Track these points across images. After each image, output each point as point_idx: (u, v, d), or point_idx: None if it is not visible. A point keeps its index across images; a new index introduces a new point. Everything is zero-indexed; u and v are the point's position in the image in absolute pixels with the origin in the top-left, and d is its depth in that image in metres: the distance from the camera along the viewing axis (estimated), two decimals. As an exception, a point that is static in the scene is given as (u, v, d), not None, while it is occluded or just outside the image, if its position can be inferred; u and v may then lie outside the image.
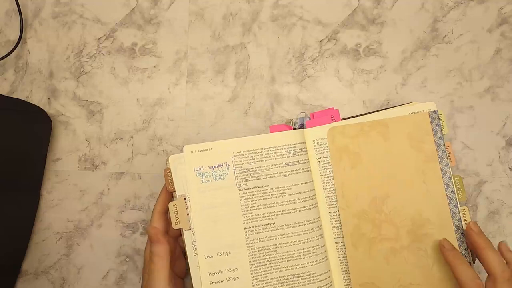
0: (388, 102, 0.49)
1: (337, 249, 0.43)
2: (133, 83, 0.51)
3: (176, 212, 0.40)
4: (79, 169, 0.50)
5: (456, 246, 0.41)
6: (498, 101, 0.48)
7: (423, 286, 0.41)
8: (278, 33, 0.50)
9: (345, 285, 0.43)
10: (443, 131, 0.42)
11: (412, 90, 0.48)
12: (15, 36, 0.51)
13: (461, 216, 0.42)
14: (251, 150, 0.42)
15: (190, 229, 0.41)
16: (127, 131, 0.50)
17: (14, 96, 0.50)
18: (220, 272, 0.40)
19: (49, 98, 0.51)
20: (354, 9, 0.50)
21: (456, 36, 0.49)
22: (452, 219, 0.41)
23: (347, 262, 0.42)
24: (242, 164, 0.41)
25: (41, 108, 0.49)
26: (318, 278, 0.41)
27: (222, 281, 0.40)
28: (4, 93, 0.51)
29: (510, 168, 0.47)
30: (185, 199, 0.41)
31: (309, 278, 0.41)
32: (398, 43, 0.49)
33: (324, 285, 0.42)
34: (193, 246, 0.41)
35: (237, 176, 0.41)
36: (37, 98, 0.51)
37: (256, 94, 0.50)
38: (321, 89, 0.49)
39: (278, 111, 0.49)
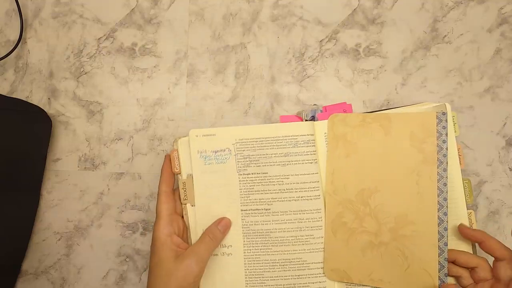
0: (388, 102, 0.48)
1: None
2: (133, 83, 0.51)
3: (184, 189, 0.44)
4: (79, 169, 0.50)
5: (436, 255, 0.40)
6: (498, 101, 0.48)
7: (393, 285, 0.41)
8: (278, 33, 0.50)
9: None
10: (455, 132, 0.41)
11: (412, 90, 0.48)
12: (15, 36, 0.51)
13: (442, 221, 0.41)
14: (253, 139, 0.43)
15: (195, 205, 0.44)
16: (127, 131, 0.50)
17: (14, 96, 0.50)
18: None
19: (49, 98, 0.51)
20: (354, 9, 0.50)
21: (456, 36, 0.49)
22: (438, 226, 0.40)
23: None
24: (243, 150, 0.43)
25: (41, 108, 0.49)
26: (308, 266, 0.43)
27: (217, 254, 0.43)
28: (4, 93, 0.51)
29: (510, 168, 0.47)
30: (192, 178, 0.44)
31: (300, 264, 0.43)
32: (398, 43, 0.49)
33: (315, 274, 0.42)
34: (195, 218, 0.44)
35: (238, 162, 0.43)
36: (37, 98, 0.51)
37: (256, 94, 0.50)
38: (321, 89, 0.49)
39: (278, 111, 0.49)
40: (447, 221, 0.40)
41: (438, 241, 0.40)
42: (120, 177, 0.50)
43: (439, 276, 0.40)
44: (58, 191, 0.50)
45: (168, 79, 0.50)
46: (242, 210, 0.43)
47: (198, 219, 0.43)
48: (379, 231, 0.42)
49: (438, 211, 0.40)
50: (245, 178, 0.44)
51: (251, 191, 0.43)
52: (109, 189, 0.50)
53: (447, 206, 0.40)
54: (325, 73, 0.49)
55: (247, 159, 0.43)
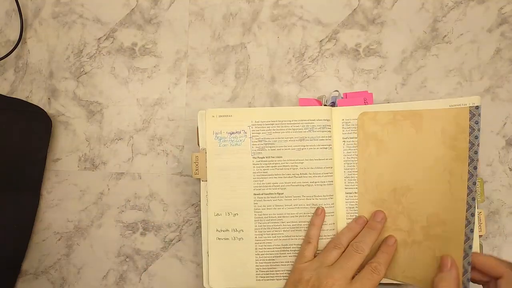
0: (388, 102, 0.48)
1: None
2: (133, 83, 0.51)
3: (196, 163, 0.44)
4: (79, 169, 0.50)
5: (461, 257, 0.38)
6: (498, 101, 0.48)
7: (425, 284, 0.41)
8: (278, 33, 0.50)
9: None
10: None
11: (412, 90, 0.48)
12: (15, 36, 0.51)
13: (476, 220, 0.39)
14: (269, 121, 0.44)
15: (207, 181, 0.44)
16: (127, 131, 0.50)
17: (14, 96, 0.50)
18: (227, 230, 0.43)
19: (49, 98, 0.51)
20: (354, 9, 0.50)
21: (456, 36, 0.49)
22: (466, 227, 0.39)
23: None
24: (259, 133, 0.44)
25: (41, 108, 0.49)
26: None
27: (227, 238, 0.44)
28: (4, 93, 0.51)
29: (510, 168, 0.47)
30: (206, 152, 0.44)
31: None
32: (398, 43, 0.49)
33: None
34: (206, 196, 0.44)
35: (253, 144, 0.44)
36: (37, 98, 0.51)
37: (256, 94, 0.50)
38: (321, 89, 0.49)
39: (278, 111, 0.49)
40: (473, 223, 0.39)
41: (464, 243, 0.38)
42: (120, 177, 0.50)
43: (462, 281, 0.38)
44: (58, 191, 0.50)
45: (168, 79, 0.50)
46: (255, 194, 0.44)
47: (210, 199, 0.44)
48: (412, 229, 0.41)
49: (466, 211, 0.39)
50: (259, 161, 0.44)
51: (264, 175, 0.44)
52: (109, 189, 0.50)
53: (475, 207, 0.39)
54: (325, 73, 0.49)
55: (262, 142, 0.44)
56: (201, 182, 0.44)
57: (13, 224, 0.47)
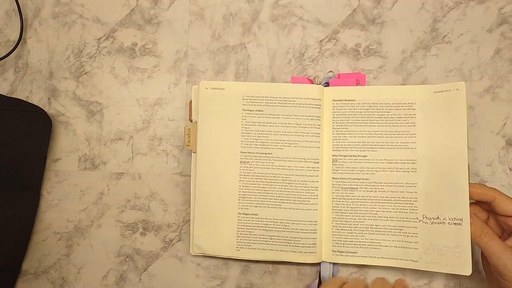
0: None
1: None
2: (133, 83, 0.51)
3: (189, 135, 0.46)
4: (79, 169, 0.50)
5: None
6: (498, 101, 0.48)
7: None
8: (278, 33, 0.50)
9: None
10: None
11: (412, 90, 0.48)
12: (15, 36, 0.51)
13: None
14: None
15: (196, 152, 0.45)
16: (127, 131, 0.50)
17: (14, 96, 0.50)
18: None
19: (49, 98, 0.51)
20: (354, 9, 0.50)
21: (456, 36, 0.48)
22: None
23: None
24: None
25: (41, 108, 0.49)
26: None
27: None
28: (4, 93, 0.51)
29: (510, 168, 0.47)
30: (197, 125, 0.45)
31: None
32: (398, 43, 0.49)
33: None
34: (196, 167, 0.45)
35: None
36: (37, 98, 0.51)
37: (256, 94, 0.49)
38: (321, 89, 0.49)
39: (278, 111, 0.49)
40: None
41: None
42: (120, 177, 0.50)
43: None
44: (58, 191, 0.50)
45: (168, 79, 0.50)
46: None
47: (198, 166, 0.45)
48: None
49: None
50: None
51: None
52: (109, 189, 0.50)
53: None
54: (325, 73, 0.49)
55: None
56: (192, 153, 0.46)
57: (13, 224, 0.47)
